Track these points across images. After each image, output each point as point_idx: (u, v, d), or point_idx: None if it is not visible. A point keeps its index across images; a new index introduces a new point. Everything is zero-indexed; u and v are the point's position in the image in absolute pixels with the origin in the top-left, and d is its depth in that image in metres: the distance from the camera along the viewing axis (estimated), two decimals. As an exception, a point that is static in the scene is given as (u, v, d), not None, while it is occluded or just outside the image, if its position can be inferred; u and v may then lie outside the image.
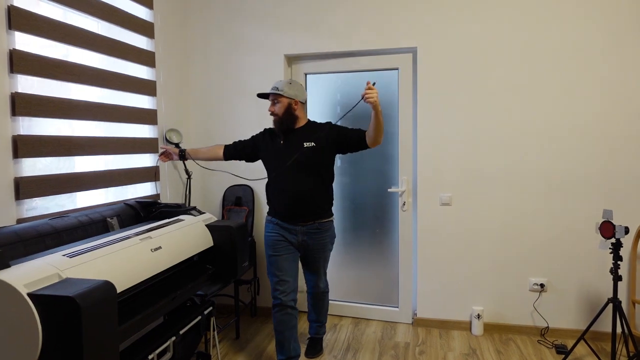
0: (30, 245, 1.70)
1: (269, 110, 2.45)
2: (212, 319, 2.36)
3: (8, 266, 1.34)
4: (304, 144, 2.39)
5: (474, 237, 3.10)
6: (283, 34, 3.29)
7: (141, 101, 2.92)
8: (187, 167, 3.23)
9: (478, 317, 3.06)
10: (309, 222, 2.46)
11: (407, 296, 3.29)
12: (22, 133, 2.04)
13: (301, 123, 2.48)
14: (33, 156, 2.07)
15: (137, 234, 1.84)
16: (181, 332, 2.02)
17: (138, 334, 1.97)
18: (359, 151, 2.47)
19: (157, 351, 1.85)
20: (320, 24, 3.22)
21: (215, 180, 3.48)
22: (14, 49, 1.97)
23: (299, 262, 2.69)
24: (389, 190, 3.25)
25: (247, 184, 3.40)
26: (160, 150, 2.55)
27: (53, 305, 1.22)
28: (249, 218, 3.31)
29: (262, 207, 3.39)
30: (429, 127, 3.10)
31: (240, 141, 2.70)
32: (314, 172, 2.41)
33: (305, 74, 3.39)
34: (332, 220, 2.58)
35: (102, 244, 1.66)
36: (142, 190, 2.94)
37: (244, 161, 2.98)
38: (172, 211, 2.34)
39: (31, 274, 1.31)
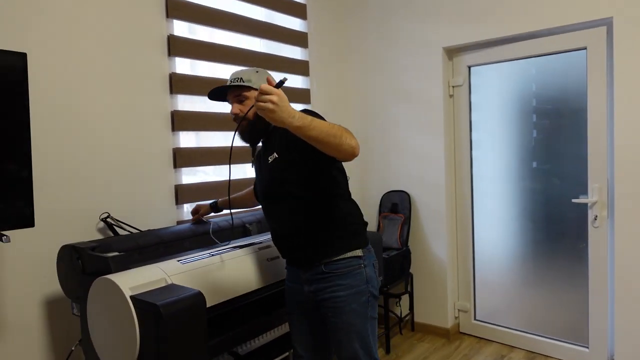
0: (169, 247, 1.90)
1: (232, 114, 1.65)
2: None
3: (127, 268, 1.51)
4: (269, 158, 1.63)
5: None
6: (441, 24, 2.97)
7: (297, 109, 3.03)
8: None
9: None
10: (313, 265, 1.61)
11: (601, 335, 2.58)
12: (180, 146, 2.32)
13: (271, 127, 1.64)
14: (188, 166, 2.34)
15: (260, 243, 1.89)
16: (304, 343, 1.99)
17: (270, 335, 2.02)
18: (335, 162, 1.55)
19: (275, 360, 1.86)
20: (484, 7, 2.79)
21: (373, 185, 3.38)
22: (173, 73, 2.25)
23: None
24: (573, 200, 2.61)
25: (404, 189, 3.20)
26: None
27: (145, 310, 1.32)
28: (404, 226, 3.11)
29: (420, 215, 3.14)
30: (632, 121, 2.36)
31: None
32: (292, 193, 1.59)
33: (469, 67, 2.99)
34: (355, 258, 1.59)
35: (219, 251, 1.74)
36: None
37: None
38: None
39: (140, 278, 1.44)
